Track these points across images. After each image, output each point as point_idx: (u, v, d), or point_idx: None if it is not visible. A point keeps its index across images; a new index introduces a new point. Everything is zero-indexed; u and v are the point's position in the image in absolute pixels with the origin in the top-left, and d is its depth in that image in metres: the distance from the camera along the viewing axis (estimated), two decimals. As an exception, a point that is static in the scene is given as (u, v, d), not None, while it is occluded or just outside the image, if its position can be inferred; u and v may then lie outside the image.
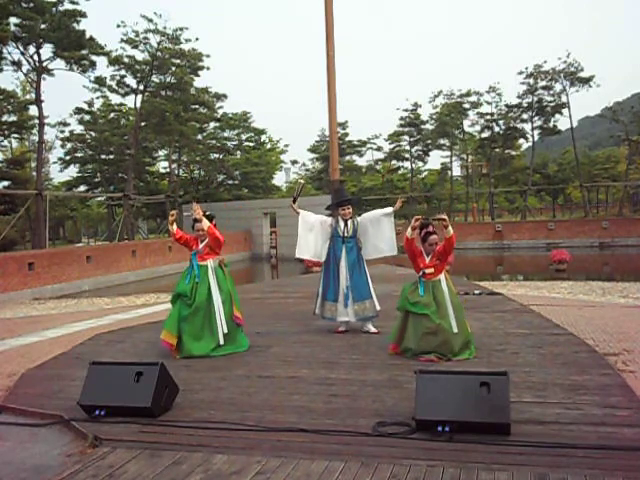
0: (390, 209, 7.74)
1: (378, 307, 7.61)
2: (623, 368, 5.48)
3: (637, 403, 4.33)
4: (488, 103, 56.87)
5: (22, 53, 35.79)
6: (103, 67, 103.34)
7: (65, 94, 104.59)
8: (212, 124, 60.01)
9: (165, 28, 44.02)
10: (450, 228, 6.14)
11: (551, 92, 53.03)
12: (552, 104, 53.53)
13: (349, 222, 7.68)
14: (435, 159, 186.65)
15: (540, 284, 19.23)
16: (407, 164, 65.09)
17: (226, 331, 6.60)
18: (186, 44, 45.67)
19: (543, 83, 52.84)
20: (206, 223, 6.78)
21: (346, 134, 63.65)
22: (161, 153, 60.01)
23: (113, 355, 6.77)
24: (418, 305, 6.05)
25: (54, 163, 75.49)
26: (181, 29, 44.50)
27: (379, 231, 7.70)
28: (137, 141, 47.00)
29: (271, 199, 57.98)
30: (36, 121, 39.08)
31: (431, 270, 6.23)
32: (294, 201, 8.12)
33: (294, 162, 74.25)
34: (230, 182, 63.89)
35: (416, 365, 5.46)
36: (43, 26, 34.82)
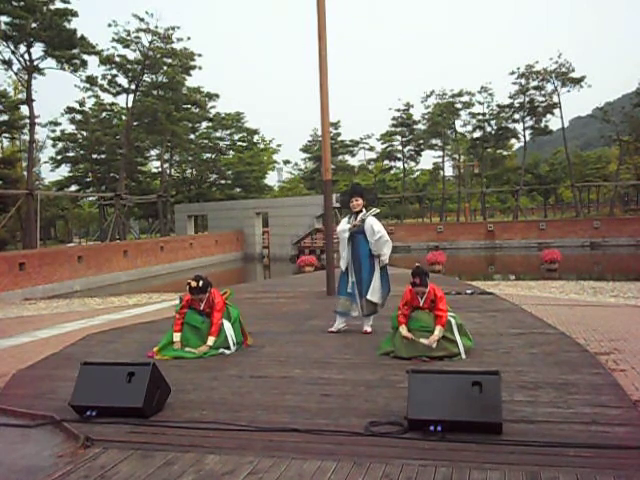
0: (385, 261, 7.43)
1: (374, 299, 7.37)
2: (614, 367, 5.51)
3: (628, 402, 4.35)
4: (480, 103, 57.22)
5: (13, 52, 35.67)
6: (94, 66, 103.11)
7: (56, 93, 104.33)
8: (204, 124, 60.09)
9: (157, 27, 44.09)
10: (437, 333, 5.97)
11: (542, 92, 53.42)
12: (543, 104, 53.87)
13: (359, 215, 7.58)
14: (427, 159, 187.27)
15: (532, 284, 19.30)
16: (399, 164, 65.36)
17: (233, 350, 6.60)
18: (178, 43, 45.73)
19: (534, 83, 53.20)
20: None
21: (338, 134, 63.78)
22: (153, 153, 59.99)
23: (105, 355, 6.73)
24: (408, 321, 6.13)
25: (45, 163, 75.14)
26: (173, 28, 44.55)
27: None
28: (129, 141, 46.87)
29: (263, 199, 58.01)
30: (27, 120, 38.91)
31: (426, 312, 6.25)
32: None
33: (286, 162, 74.43)
34: (222, 182, 63.88)
35: (408, 365, 5.47)
36: (34, 25, 34.71)
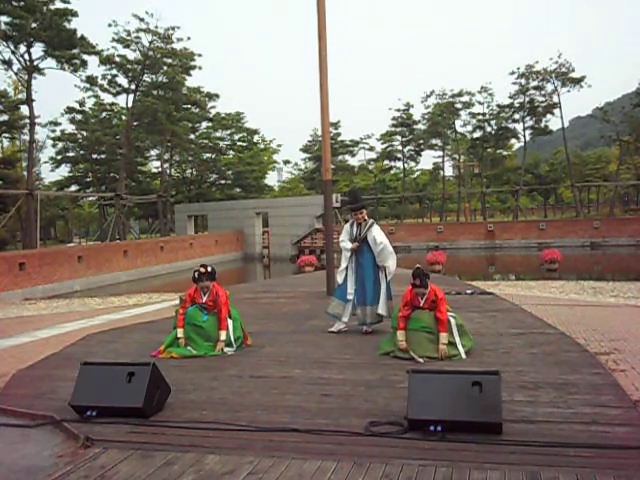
0: (390, 274, 7.49)
1: (383, 312, 7.41)
2: (614, 367, 5.51)
3: (628, 402, 4.35)
4: (480, 103, 57.18)
5: (13, 52, 35.63)
6: (94, 66, 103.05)
7: (56, 93, 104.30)
8: (204, 124, 60.06)
9: (157, 27, 44.06)
10: (443, 342, 5.93)
11: (542, 92, 53.36)
12: (543, 104, 53.82)
13: (362, 225, 7.65)
14: (427, 159, 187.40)
15: (532, 284, 19.30)
16: (399, 164, 65.33)
17: (233, 350, 6.61)
18: (178, 43, 45.69)
19: (535, 83, 53.15)
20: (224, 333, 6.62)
21: (338, 134, 63.75)
22: (153, 153, 59.94)
23: (105, 355, 6.73)
24: (409, 321, 6.12)
25: (45, 163, 75.04)
26: (173, 28, 44.52)
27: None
28: (129, 141, 46.85)
29: (263, 199, 57.99)
30: (27, 120, 38.90)
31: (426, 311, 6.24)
32: None
33: (286, 162, 74.41)
34: (222, 182, 63.85)
35: (408, 365, 5.47)
36: (34, 25, 34.67)
